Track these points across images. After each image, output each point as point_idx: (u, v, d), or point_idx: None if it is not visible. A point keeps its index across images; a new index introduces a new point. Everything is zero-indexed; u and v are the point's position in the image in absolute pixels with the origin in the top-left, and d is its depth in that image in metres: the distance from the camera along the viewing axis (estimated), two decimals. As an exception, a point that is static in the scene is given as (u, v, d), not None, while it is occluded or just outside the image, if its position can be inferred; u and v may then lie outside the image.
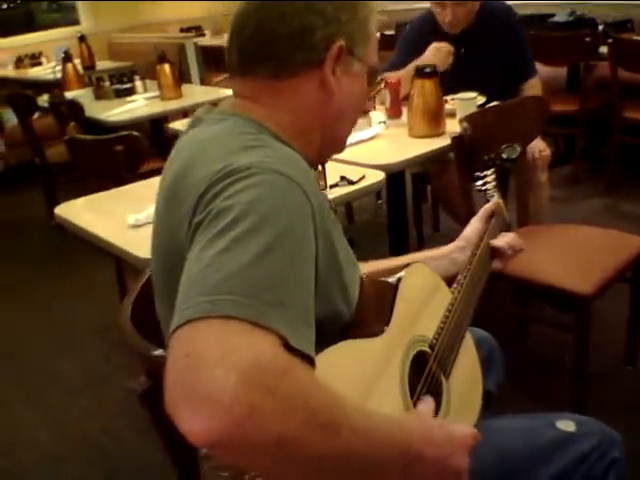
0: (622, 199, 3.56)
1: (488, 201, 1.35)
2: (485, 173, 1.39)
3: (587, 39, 3.58)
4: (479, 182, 1.38)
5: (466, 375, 1.06)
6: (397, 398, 0.88)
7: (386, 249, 2.52)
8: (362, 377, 0.84)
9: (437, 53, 2.48)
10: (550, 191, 2.62)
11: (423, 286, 1.04)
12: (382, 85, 2.26)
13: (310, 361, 0.72)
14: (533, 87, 2.64)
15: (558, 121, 3.91)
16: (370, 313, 0.93)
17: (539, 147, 2.39)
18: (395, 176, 2.25)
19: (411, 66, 2.45)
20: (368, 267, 1.17)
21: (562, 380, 1.98)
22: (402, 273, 0.98)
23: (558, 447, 1.05)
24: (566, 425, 1.08)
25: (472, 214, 1.39)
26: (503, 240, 1.29)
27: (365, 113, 0.99)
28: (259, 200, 0.75)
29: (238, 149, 0.82)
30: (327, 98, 0.94)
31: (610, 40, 3.54)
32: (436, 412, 0.95)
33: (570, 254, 1.99)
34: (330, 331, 0.87)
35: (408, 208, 2.64)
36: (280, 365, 0.65)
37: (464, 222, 1.36)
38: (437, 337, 1.00)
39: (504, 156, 1.40)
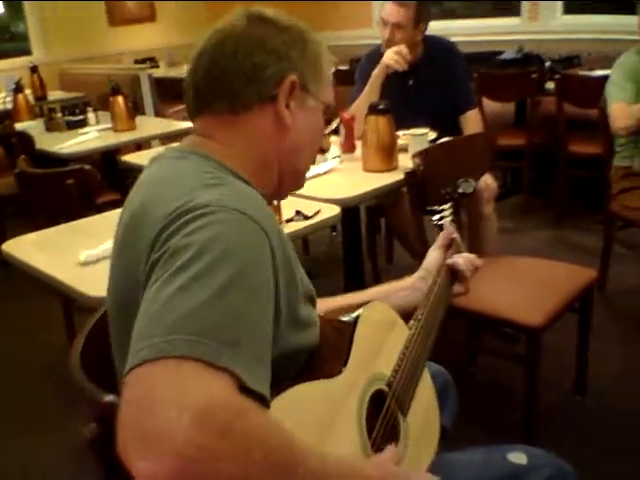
0: (569, 230, 3.67)
1: None
2: (442, 207, 1.41)
3: (533, 75, 3.72)
4: (436, 216, 1.40)
5: (424, 412, 1.07)
6: (354, 439, 0.88)
7: (342, 281, 2.54)
8: (319, 419, 0.84)
9: (395, 55, 2.59)
10: (499, 223, 2.69)
11: (381, 324, 1.05)
12: (337, 121, 2.32)
13: (265, 401, 0.72)
14: (471, 119, 2.73)
15: (506, 155, 4.04)
16: (328, 353, 0.93)
17: (486, 180, 2.45)
18: (350, 210, 2.27)
19: (362, 101, 2.52)
20: (326, 304, 1.17)
21: (514, 411, 2.01)
22: (360, 311, 0.99)
23: None
24: (518, 458, 1.09)
25: (426, 247, 1.41)
26: (461, 257, 1.30)
27: (323, 152, 1.00)
28: (217, 238, 0.75)
29: (197, 187, 0.83)
30: (283, 132, 0.96)
31: (557, 76, 3.68)
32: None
33: (520, 286, 2.04)
34: (289, 370, 0.87)
35: (363, 241, 2.67)
36: (233, 406, 0.65)
37: (418, 255, 1.38)
38: (394, 375, 1.00)
39: (460, 190, 1.43)
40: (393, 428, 0.98)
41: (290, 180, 1.03)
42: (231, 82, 0.93)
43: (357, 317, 0.97)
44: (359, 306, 1.01)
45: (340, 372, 0.90)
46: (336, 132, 2.52)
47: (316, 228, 1.91)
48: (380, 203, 2.83)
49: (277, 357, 0.79)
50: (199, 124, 0.98)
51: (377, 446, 0.92)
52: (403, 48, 2.60)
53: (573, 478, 1.10)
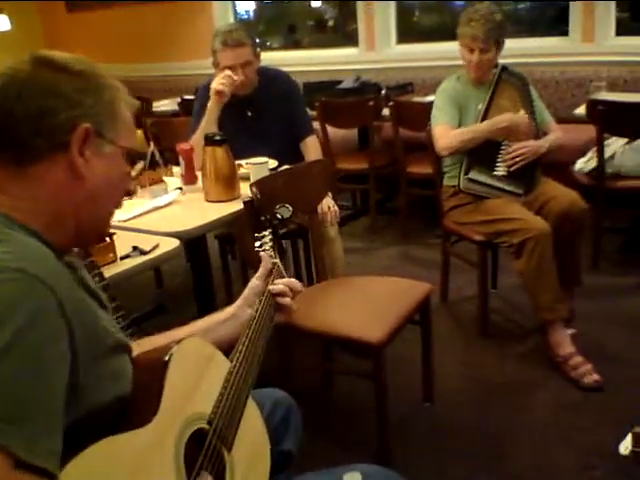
0: (414, 246, 3.88)
1: None
2: (263, 234, 1.44)
3: (370, 103, 3.91)
4: (257, 243, 1.43)
5: (250, 443, 1.07)
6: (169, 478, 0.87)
7: (196, 312, 2.50)
8: (125, 474, 0.81)
9: (222, 79, 2.61)
10: (351, 243, 2.78)
11: (196, 360, 1.03)
12: (141, 166, 2.31)
13: (51, 475, 0.70)
14: (310, 145, 2.82)
15: (353, 178, 4.21)
16: (140, 401, 0.91)
17: (328, 203, 2.53)
18: (196, 240, 2.25)
19: (201, 133, 2.52)
20: (146, 344, 1.15)
21: (369, 427, 2.07)
22: (173, 350, 0.97)
23: None
24: (353, 477, 1.12)
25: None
26: (281, 283, 1.33)
27: (129, 195, 0.97)
28: None
29: None
30: (78, 182, 0.90)
31: (391, 103, 3.90)
32: None
33: (363, 305, 2.11)
34: (98, 427, 0.84)
35: (215, 270, 2.65)
36: None
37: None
38: (215, 411, 0.99)
39: (278, 216, 1.47)
40: (217, 465, 0.96)
41: (90, 228, 0.97)
42: (17, 130, 0.87)
43: (169, 357, 0.96)
44: (177, 343, 0.99)
45: (150, 420, 0.87)
46: (153, 167, 2.50)
47: (155, 263, 1.88)
48: (229, 232, 2.83)
49: (83, 416, 0.77)
50: None
51: None
52: (229, 71, 2.62)
53: None
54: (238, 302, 1.32)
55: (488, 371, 2.51)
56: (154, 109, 4.93)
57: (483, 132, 2.62)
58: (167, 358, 0.95)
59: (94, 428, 0.82)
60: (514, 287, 3.04)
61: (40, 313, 0.75)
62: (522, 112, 2.68)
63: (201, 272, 2.50)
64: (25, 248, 0.82)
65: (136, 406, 0.90)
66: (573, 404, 2.27)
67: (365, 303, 2.12)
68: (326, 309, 2.09)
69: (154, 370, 0.94)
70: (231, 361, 1.09)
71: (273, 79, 2.81)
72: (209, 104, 2.64)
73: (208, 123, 2.60)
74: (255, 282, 1.33)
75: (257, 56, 2.71)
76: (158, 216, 2.21)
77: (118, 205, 1.02)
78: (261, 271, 1.34)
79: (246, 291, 1.33)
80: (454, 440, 2.15)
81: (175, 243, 1.92)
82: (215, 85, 2.62)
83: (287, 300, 1.30)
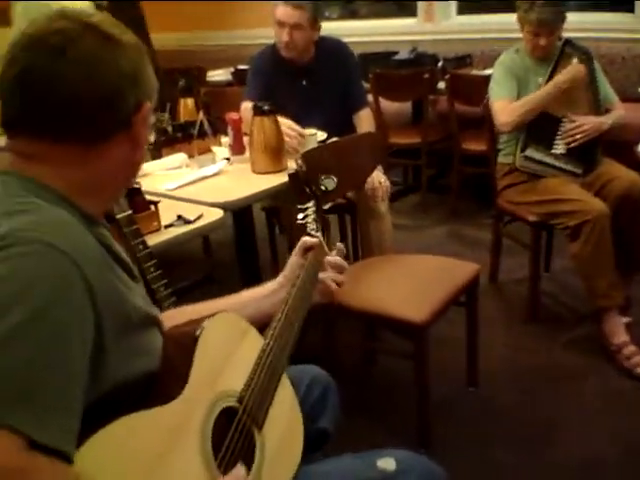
0: (464, 225, 3.78)
1: (309, 234, 1.35)
2: (306, 206, 1.40)
3: (426, 76, 3.80)
4: (300, 215, 1.38)
5: (283, 422, 1.04)
6: (196, 462, 0.84)
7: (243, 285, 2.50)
8: (148, 451, 0.78)
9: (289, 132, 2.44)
10: (399, 220, 2.72)
11: (228, 336, 1.00)
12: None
13: (65, 455, 0.68)
14: (364, 118, 2.75)
15: (405, 153, 4.12)
16: (168, 376, 0.88)
17: (379, 178, 2.47)
18: (241, 212, 2.24)
19: (248, 103, 2.49)
20: (180, 315, 1.13)
21: (409, 409, 2.03)
22: (205, 324, 0.94)
23: None
24: (387, 463, 1.08)
25: (298, 240, 1.37)
26: (326, 274, 1.28)
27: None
28: (10, 277, 0.70)
29: (1, 214, 0.77)
30: (137, 152, 0.92)
31: (447, 76, 3.78)
32: (249, 466, 0.92)
33: (408, 283, 2.06)
34: (125, 402, 0.82)
35: (262, 242, 2.64)
36: (15, 468, 0.62)
37: (290, 247, 1.33)
38: (246, 389, 0.96)
39: (322, 188, 1.42)
40: (247, 444, 0.94)
41: (121, 192, 1.01)
42: (84, 110, 0.83)
43: (200, 331, 0.93)
44: (210, 317, 0.97)
45: (177, 396, 0.85)
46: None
47: (199, 233, 1.87)
48: (275, 204, 2.81)
49: (108, 392, 0.76)
50: (25, 145, 0.84)
51: (227, 465, 0.88)
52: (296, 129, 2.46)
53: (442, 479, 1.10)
54: (278, 279, 1.28)
55: (536, 356, 2.43)
56: (208, 78, 4.92)
57: (543, 98, 2.49)
58: (198, 333, 0.93)
59: (119, 405, 0.81)
60: (567, 270, 2.93)
61: (63, 291, 0.73)
62: (583, 88, 2.55)
63: (246, 244, 2.49)
64: (52, 219, 0.79)
65: (163, 381, 0.88)
66: (624, 394, 2.17)
67: (410, 282, 2.07)
68: (370, 287, 2.05)
69: (184, 345, 0.92)
70: (265, 338, 1.06)
71: (331, 49, 2.74)
72: None
73: None
74: (293, 259, 1.29)
75: (314, 27, 2.63)
76: (204, 186, 2.20)
77: None
78: (298, 246, 1.30)
79: (286, 268, 1.29)
80: (498, 426, 2.09)
81: (219, 213, 1.91)
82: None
83: (329, 279, 1.25)
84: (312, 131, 2.45)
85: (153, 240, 1.69)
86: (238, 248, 2.46)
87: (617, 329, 2.35)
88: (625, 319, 2.41)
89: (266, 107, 2.26)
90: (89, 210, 0.88)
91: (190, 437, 0.84)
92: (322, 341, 2.12)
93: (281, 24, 2.60)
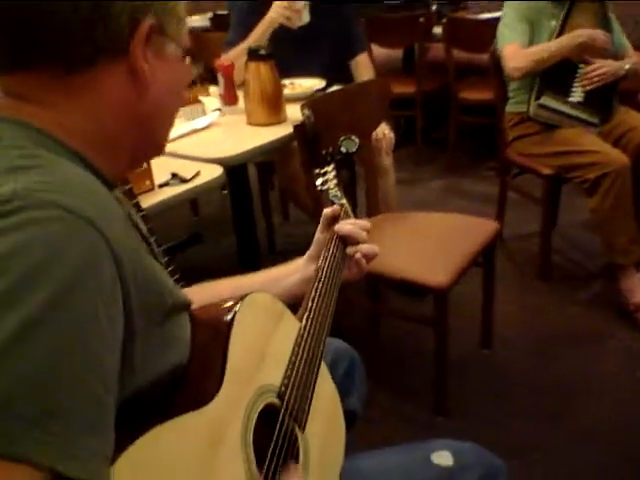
0: (462, 178, 3.62)
1: (332, 202, 1.18)
2: (325, 170, 1.22)
3: (421, 20, 3.57)
4: (319, 181, 1.21)
5: (324, 414, 0.89)
6: (239, 475, 0.69)
7: (234, 244, 2.34)
8: (187, 469, 0.63)
9: (285, 11, 2.29)
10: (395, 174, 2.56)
11: (264, 320, 0.84)
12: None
13: None
14: (362, 63, 2.55)
15: (397, 103, 3.91)
16: (200, 371, 0.72)
17: (383, 130, 2.29)
18: (235, 168, 2.05)
19: (243, 46, 2.26)
20: (203, 292, 0.96)
21: (422, 371, 1.91)
22: (237, 307, 0.78)
23: None
24: (442, 458, 0.94)
25: (321, 208, 1.21)
26: (356, 249, 1.10)
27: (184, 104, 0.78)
28: (22, 251, 0.52)
29: (0, 171, 0.58)
30: (139, 91, 0.69)
31: (444, 20, 3.56)
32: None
33: (423, 244, 1.91)
34: (157, 396, 0.67)
35: (254, 199, 2.46)
36: None
37: (313, 212, 1.17)
38: (286, 382, 0.81)
39: (343, 150, 1.24)
40: (292, 450, 0.79)
41: (148, 148, 0.78)
42: (62, 29, 0.64)
43: (233, 316, 0.77)
44: (241, 298, 0.80)
45: (213, 396, 0.69)
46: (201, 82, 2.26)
47: (196, 193, 1.68)
48: (270, 159, 2.61)
49: (133, 392, 0.60)
50: (14, 83, 0.67)
51: (273, 474, 0.74)
52: (294, 3, 2.30)
53: (503, 474, 0.97)
54: (304, 258, 1.11)
55: (551, 317, 2.32)
56: (184, 25, 4.62)
57: (558, 49, 2.32)
58: (230, 317, 0.76)
59: (147, 405, 0.65)
60: (576, 225, 2.82)
61: (89, 270, 0.55)
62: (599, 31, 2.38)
63: (241, 202, 2.31)
64: (68, 177, 0.61)
65: (196, 377, 0.72)
66: (647, 355, 2.08)
67: (426, 242, 1.91)
68: (383, 248, 1.86)
69: (215, 332, 0.76)
70: (300, 320, 0.90)
71: None
72: (259, 27, 2.31)
73: (256, 41, 2.32)
74: (318, 235, 1.11)
75: None
76: (197, 140, 1.99)
77: (174, 118, 0.80)
78: (323, 220, 1.11)
79: (312, 247, 1.11)
80: (515, 390, 1.98)
81: (218, 171, 1.72)
82: (274, 14, 2.29)
83: (358, 253, 1.07)
84: (313, 80, 2.25)
85: (147, 201, 1.51)
86: (234, 207, 2.27)
87: (636, 287, 2.25)
88: (643, 276, 2.30)
89: (262, 51, 2.04)
90: (104, 171, 0.69)
91: (232, 446, 0.69)
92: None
93: None
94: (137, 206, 1.43)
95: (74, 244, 0.54)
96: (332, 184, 1.23)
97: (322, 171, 1.25)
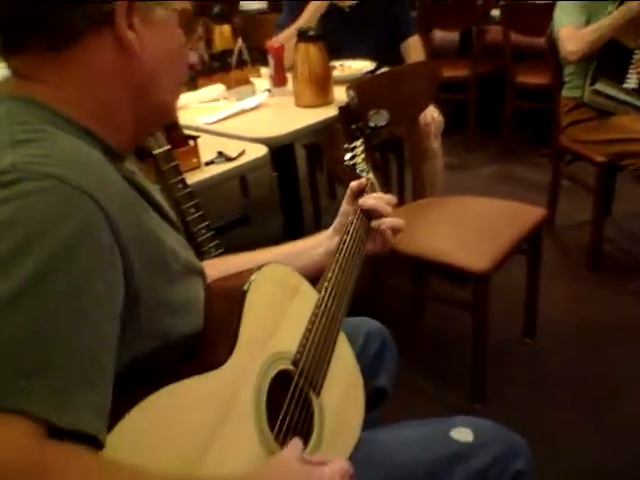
0: (515, 164, 3.55)
1: (359, 176, 1.18)
2: (354, 144, 1.22)
3: (479, 2, 3.51)
4: (347, 155, 1.21)
5: (342, 383, 0.91)
6: (251, 436, 0.72)
7: (281, 225, 2.37)
8: (198, 427, 0.67)
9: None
10: (445, 158, 2.53)
11: (279, 290, 0.86)
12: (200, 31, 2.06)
13: (93, 438, 0.55)
14: (413, 46, 2.54)
15: (450, 87, 3.85)
16: (214, 336, 0.76)
17: (432, 114, 2.28)
18: (283, 149, 2.07)
19: (293, 28, 2.28)
20: (223, 265, 0.99)
21: (462, 357, 1.90)
22: (252, 277, 0.80)
23: (454, 463, 0.92)
24: (462, 434, 0.95)
25: (348, 182, 1.22)
26: (380, 222, 1.09)
27: (191, 67, 0.78)
28: (18, 220, 0.56)
29: (4, 144, 0.62)
30: (129, 60, 0.71)
31: (502, 3, 3.49)
32: (309, 435, 0.81)
33: (466, 228, 1.89)
34: (171, 363, 0.69)
35: (301, 181, 2.48)
36: (35, 465, 0.49)
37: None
38: (301, 350, 0.83)
39: (372, 124, 1.24)
40: (307, 411, 0.82)
41: (153, 115, 0.79)
42: (43, 7, 0.66)
43: (248, 285, 0.79)
44: (258, 268, 0.82)
45: (225, 361, 0.72)
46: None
47: (241, 171, 1.73)
48: (318, 141, 2.63)
49: (143, 356, 0.64)
50: (16, 63, 0.71)
51: (285, 436, 0.77)
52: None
53: (525, 454, 0.96)
54: (328, 230, 1.13)
55: (600, 308, 2.26)
56: (240, 7, 4.66)
57: (611, 24, 2.24)
58: (246, 287, 0.79)
59: (159, 370, 0.68)
60: (630, 215, 2.73)
61: (85, 237, 0.58)
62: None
63: (288, 183, 2.34)
64: (67, 150, 0.64)
65: (209, 343, 0.76)
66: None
67: (469, 227, 1.90)
68: (425, 231, 1.88)
69: (230, 301, 0.79)
70: (319, 292, 0.92)
71: None
72: (311, 7, 2.35)
73: (307, 22, 2.34)
74: (344, 207, 1.12)
75: None
76: (245, 120, 2.03)
77: (182, 81, 0.82)
78: (348, 192, 1.12)
79: (337, 219, 1.12)
80: (557, 382, 1.95)
81: (263, 150, 1.75)
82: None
83: (384, 225, 1.07)
84: (364, 62, 2.25)
85: (192, 178, 1.55)
86: (280, 187, 2.31)
87: (689, 280, 2.17)
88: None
89: (311, 33, 2.05)
90: (111, 142, 0.72)
91: (243, 407, 0.72)
92: (369, 286, 1.98)
93: None
94: (183, 182, 1.48)
95: (69, 213, 0.58)
96: (360, 159, 1.23)
97: (351, 146, 1.25)
